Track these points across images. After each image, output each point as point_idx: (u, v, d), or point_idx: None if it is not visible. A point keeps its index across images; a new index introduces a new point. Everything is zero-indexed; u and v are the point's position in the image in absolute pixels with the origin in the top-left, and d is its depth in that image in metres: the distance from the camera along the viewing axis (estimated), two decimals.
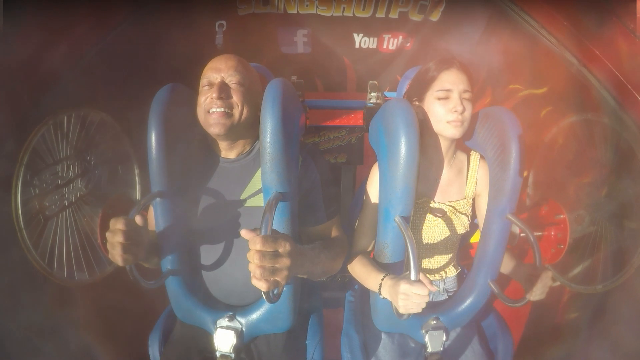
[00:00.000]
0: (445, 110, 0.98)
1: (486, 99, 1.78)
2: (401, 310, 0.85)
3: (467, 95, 0.98)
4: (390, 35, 1.77)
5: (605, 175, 1.45)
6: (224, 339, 0.99)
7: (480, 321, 1.20)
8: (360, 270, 1.03)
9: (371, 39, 1.78)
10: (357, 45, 1.79)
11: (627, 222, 1.43)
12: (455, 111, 0.97)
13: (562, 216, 1.40)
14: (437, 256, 1.12)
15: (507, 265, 1.09)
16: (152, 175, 0.97)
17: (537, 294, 0.93)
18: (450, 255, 1.13)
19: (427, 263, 1.12)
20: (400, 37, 1.76)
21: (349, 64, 1.88)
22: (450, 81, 0.98)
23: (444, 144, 1.05)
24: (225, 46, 1.64)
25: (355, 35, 1.77)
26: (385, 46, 1.80)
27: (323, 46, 1.79)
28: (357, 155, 1.66)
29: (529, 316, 1.64)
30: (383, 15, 1.68)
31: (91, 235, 1.39)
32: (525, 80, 1.61)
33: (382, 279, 0.92)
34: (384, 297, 0.93)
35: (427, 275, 1.12)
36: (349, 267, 1.08)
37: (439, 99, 0.99)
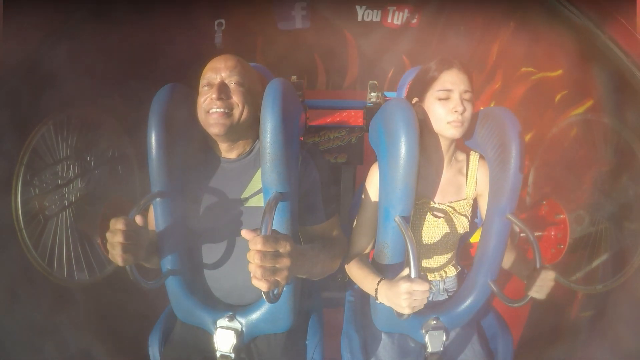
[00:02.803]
0: (445, 111, 0.98)
1: (496, 83, 1.71)
2: (406, 311, 0.85)
3: (467, 95, 0.99)
4: (395, 8, 1.67)
5: (605, 175, 1.45)
6: (224, 339, 0.99)
7: (480, 321, 1.20)
8: (357, 273, 1.03)
9: (375, 11, 1.68)
10: (359, 19, 1.69)
11: (627, 222, 1.43)
12: (456, 111, 0.97)
13: (562, 216, 1.40)
14: (436, 256, 1.12)
15: (510, 261, 1.09)
16: (152, 175, 0.97)
17: (537, 292, 0.93)
18: (449, 255, 1.13)
19: (426, 263, 1.12)
20: (406, 11, 1.67)
21: (351, 39, 1.78)
22: (451, 81, 0.98)
23: (444, 144, 1.05)
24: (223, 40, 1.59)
25: (357, 7, 1.67)
26: (390, 20, 1.70)
27: (323, 20, 1.68)
28: (357, 155, 1.66)
29: (529, 316, 1.64)
30: None
31: (91, 235, 1.39)
32: (539, 61, 1.50)
33: (378, 284, 0.92)
34: (380, 302, 0.92)
35: (427, 274, 1.12)
36: (347, 267, 1.08)
37: (440, 99, 0.99)
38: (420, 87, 1.04)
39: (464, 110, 0.97)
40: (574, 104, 1.48)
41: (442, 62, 1.00)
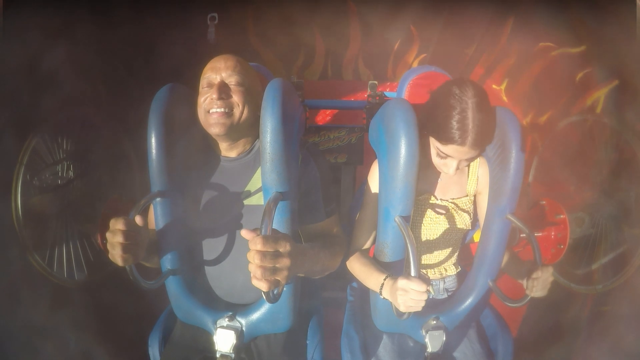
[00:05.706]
0: (441, 164, 0.98)
1: (511, 59, 1.59)
2: (401, 308, 0.85)
3: (467, 162, 0.98)
4: None
5: (605, 175, 1.45)
6: (224, 339, 0.99)
7: (480, 321, 1.20)
8: (360, 270, 1.03)
9: None
10: None
11: (627, 223, 1.43)
12: (451, 170, 0.97)
13: (562, 216, 1.40)
14: (437, 254, 1.12)
15: (507, 264, 1.09)
16: (152, 175, 0.97)
17: (538, 289, 0.93)
18: (450, 254, 1.13)
19: (427, 260, 1.12)
20: None
21: (352, 7, 1.66)
22: (456, 152, 0.94)
23: None
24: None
25: None
26: None
27: None
28: (357, 155, 1.66)
29: (529, 316, 1.64)
30: None
31: (91, 235, 1.39)
32: (561, 36, 1.37)
33: (384, 280, 0.93)
34: (384, 298, 0.93)
35: (428, 272, 1.12)
36: (348, 264, 1.09)
37: (440, 156, 0.98)
38: (430, 125, 0.96)
39: (458, 170, 0.98)
40: (597, 85, 1.39)
41: (458, 131, 0.89)
